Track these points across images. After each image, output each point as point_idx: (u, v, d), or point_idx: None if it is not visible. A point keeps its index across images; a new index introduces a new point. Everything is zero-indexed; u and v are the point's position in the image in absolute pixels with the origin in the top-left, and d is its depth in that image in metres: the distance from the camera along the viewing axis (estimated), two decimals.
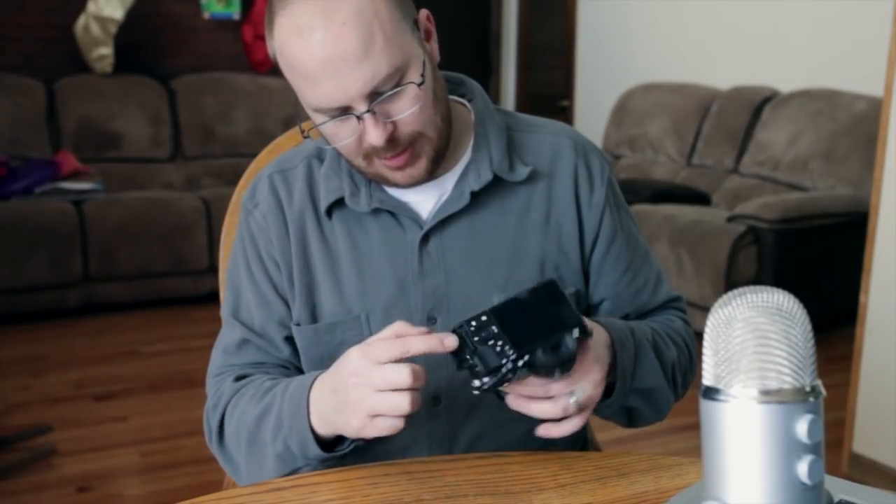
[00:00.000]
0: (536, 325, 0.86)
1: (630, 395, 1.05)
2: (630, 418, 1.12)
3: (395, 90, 0.95)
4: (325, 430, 0.95)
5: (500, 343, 0.84)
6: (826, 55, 4.14)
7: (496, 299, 0.91)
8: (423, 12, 1.02)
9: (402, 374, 0.86)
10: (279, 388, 1.01)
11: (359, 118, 0.95)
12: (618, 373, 0.99)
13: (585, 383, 0.92)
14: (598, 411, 1.03)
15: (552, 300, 0.87)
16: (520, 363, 0.85)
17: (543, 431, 0.94)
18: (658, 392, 1.08)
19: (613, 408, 1.04)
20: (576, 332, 0.88)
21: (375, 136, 0.95)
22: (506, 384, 0.88)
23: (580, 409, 0.92)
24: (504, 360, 0.84)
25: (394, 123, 0.96)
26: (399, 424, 0.89)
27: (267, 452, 1.00)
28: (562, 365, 0.88)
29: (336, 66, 0.92)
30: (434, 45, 1.03)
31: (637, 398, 1.07)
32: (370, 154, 0.99)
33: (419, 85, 0.96)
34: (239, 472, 1.06)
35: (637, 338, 1.04)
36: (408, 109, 0.96)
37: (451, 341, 0.87)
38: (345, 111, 0.96)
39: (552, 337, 0.86)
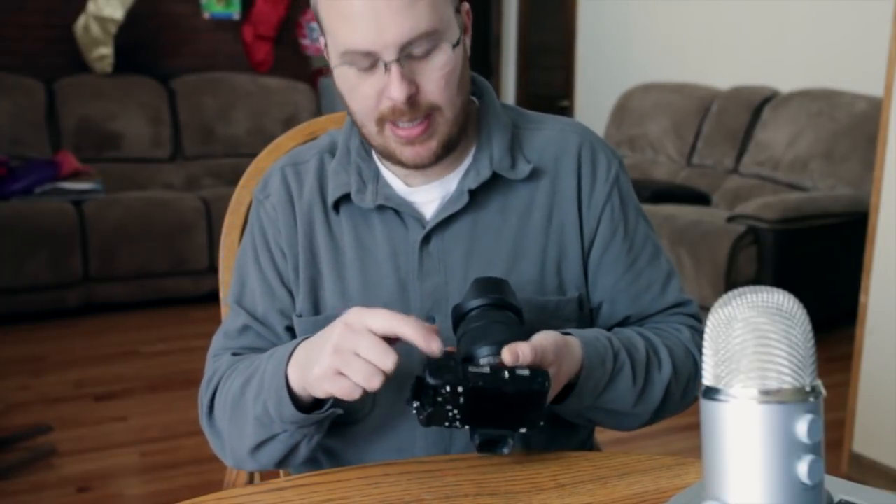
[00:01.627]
0: (496, 413, 0.87)
1: (591, 410, 1.03)
2: (591, 423, 1.12)
3: (429, 46, 0.95)
4: (299, 384, 0.94)
5: (455, 415, 0.86)
6: (826, 55, 4.14)
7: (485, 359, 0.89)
8: (465, 5, 1.03)
9: (386, 359, 0.86)
10: (267, 353, 1.01)
11: (386, 67, 0.95)
12: (574, 393, 0.97)
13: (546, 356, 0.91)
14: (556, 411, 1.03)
15: (530, 402, 0.87)
16: (458, 427, 0.88)
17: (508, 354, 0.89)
18: (623, 415, 1.07)
19: (566, 414, 1.04)
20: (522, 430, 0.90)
21: (398, 90, 0.94)
22: None
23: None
24: (447, 424, 0.87)
25: (417, 86, 0.96)
26: (356, 394, 0.88)
27: (248, 417, 0.99)
28: (491, 451, 0.90)
29: (378, 9, 0.92)
30: (468, 41, 1.04)
31: (599, 413, 1.05)
32: (384, 118, 0.98)
33: (454, 46, 0.96)
34: (224, 445, 1.06)
35: (619, 362, 1.01)
36: (436, 71, 0.96)
37: (436, 347, 0.86)
38: (373, 62, 0.95)
39: (499, 431, 0.89)
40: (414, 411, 0.87)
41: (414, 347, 0.87)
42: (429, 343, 0.86)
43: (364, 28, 0.93)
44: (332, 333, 0.89)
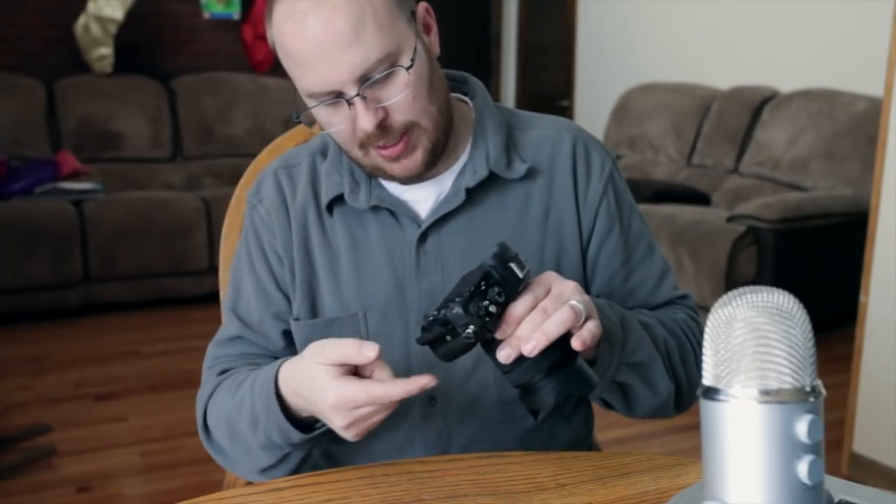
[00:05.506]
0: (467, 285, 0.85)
1: (622, 368, 0.99)
2: (626, 399, 1.06)
3: (385, 73, 0.95)
4: (302, 409, 0.94)
5: (451, 308, 0.84)
6: (826, 55, 4.14)
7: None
8: (423, 5, 1.03)
9: (385, 393, 0.85)
10: (247, 383, 1.01)
11: (349, 103, 0.95)
12: (603, 331, 0.92)
13: (566, 291, 0.88)
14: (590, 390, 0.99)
15: (501, 264, 0.85)
16: (455, 310, 0.84)
17: (579, 342, 0.86)
18: (652, 369, 1.03)
19: (605, 379, 0.98)
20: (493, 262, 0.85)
21: (366, 121, 0.95)
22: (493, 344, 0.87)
23: (587, 314, 0.87)
24: (448, 317, 0.84)
25: (385, 110, 0.96)
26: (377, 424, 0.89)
27: (252, 445, 1.00)
28: (503, 287, 0.85)
29: (327, 49, 0.92)
30: (434, 39, 1.03)
31: (630, 373, 1.01)
32: (365, 143, 0.99)
33: (408, 69, 0.95)
34: (232, 462, 1.06)
35: (617, 309, 1.00)
36: (398, 94, 0.96)
37: (428, 381, 0.85)
38: (337, 96, 0.96)
39: (479, 282, 0.85)
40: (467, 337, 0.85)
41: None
42: (421, 387, 0.85)
43: (319, 70, 0.94)
44: (321, 404, 0.88)
